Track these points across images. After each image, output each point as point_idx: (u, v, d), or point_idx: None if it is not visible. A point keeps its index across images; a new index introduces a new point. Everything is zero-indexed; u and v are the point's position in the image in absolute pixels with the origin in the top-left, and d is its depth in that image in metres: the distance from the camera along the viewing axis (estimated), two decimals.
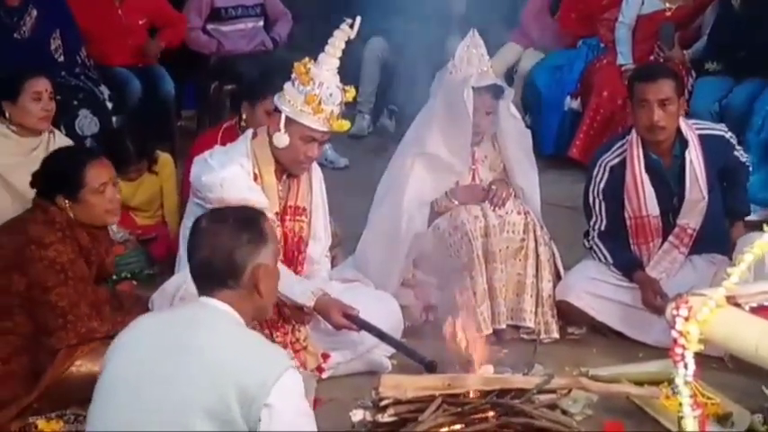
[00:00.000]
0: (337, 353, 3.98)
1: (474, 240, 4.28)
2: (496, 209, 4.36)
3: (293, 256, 3.94)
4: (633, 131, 4.32)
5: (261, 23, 6.90)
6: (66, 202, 3.72)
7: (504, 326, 4.32)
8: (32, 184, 3.84)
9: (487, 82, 4.34)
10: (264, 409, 2.34)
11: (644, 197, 4.29)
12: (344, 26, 3.70)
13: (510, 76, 6.82)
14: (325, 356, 3.95)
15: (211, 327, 2.49)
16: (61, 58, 5.67)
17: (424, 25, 6.30)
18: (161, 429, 2.35)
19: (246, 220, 2.65)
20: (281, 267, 3.74)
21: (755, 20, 5.72)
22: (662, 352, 3.66)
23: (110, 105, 5.79)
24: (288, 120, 3.71)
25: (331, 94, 3.69)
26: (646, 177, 4.27)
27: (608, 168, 4.36)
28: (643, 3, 6.30)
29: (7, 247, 3.67)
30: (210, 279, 2.56)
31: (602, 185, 4.37)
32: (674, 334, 1.89)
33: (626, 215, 4.35)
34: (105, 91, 5.81)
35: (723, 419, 3.49)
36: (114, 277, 4.52)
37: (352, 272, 4.39)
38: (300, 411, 2.46)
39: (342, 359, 3.99)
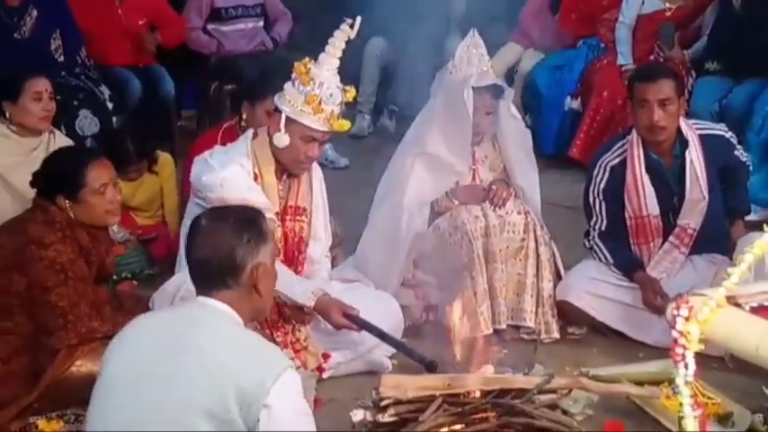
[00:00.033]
0: (338, 353, 3.98)
1: (474, 240, 4.28)
2: (497, 209, 4.36)
3: (293, 256, 3.94)
4: (633, 131, 4.32)
5: (261, 23, 6.89)
6: (67, 202, 3.72)
7: (504, 326, 4.33)
8: (33, 184, 3.84)
9: (487, 82, 4.34)
10: (263, 409, 2.34)
11: (644, 197, 4.29)
12: (345, 26, 3.70)
13: (510, 76, 6.83)
14: (326, 356, 3.95)
15: (211, 327, 2.49)
16: (61, 59, 5.67)
17: (425, 25, 6.30)
18: (161, 429, 2.35)
19: (246, 219, 2.65)
20: (282, 267, 3.76)
21: (756, 20, 5.72)
22: (662, 352, 3.66)
23: (110, 105, 5.79)
24: (288, 120, 3.71)
25: (331, 94, 3.69)
26: (646, 177, 4.27)
27: (608, 168, 4.36)
28: (643, 3, 6.31)
29: (7, 246, 3.67)
30: (210, 278, 2.56)
31: (602, 185, 4.37)
32: (675, 334, 1.89)
33: (626, 215, 4.35)
34: (105, 91, 5.81)
35: (724, 419, 3.49)
36: (115, 277, 4.52)
37: (353, 272, 4.39)
38: (299, 411, 2.46)
39: (342, 359, 3.99)
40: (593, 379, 3.54)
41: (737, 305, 1.91)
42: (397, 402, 3.13)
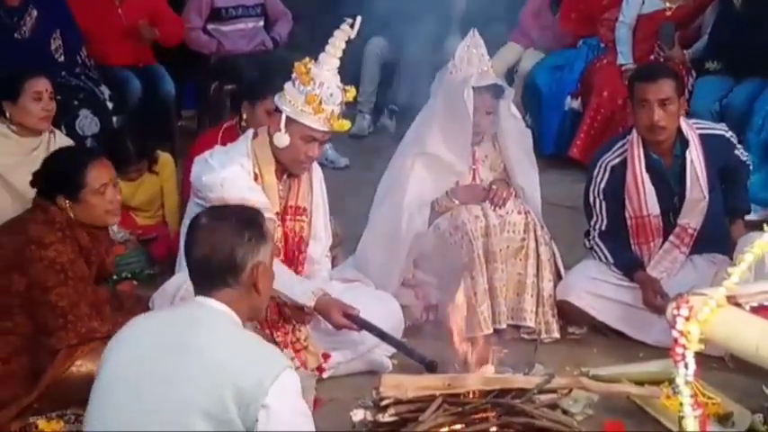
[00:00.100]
0: (338, 353, 3.98)
1: (474, 240, 4.28)
2: (497, 209, 4.36)
3: (294, 256, 3.94)
4: (634, 131, 4.32)
5: (261, 23, 6.90)
6: (67, 202, 3.72)
7: (504, 325, 4.33)
8: (33, 184, 3.84)
9: (488, 82, 4.34)
10: (262, 409, 2.34)
11: (644, 197, 4.29)
12: (345, 26, 3.70)
13: (510, 75, 6.83)
14: (326, 356, 3.95)
15: (210, 327, 2.49)
16: (61, 58, 5.67)
17: (425, 25, 6.30)
18: (161, 429, 2.35)
19: (247, 218, 2.66)
20: (282, 267, 3.77)
21: (756, 19, 5.72)
22: (662, 352, 3.66)
23: (110, 105, 5.79)
24: (288, 120, 3.71)
25: (331, 94, 3.69)
26: (646, 177, 4.27)
27: (608, 168, 4.36)
28: (643, 2, 6.31)
29: (7, 247, 3.66)
30: (209, 277, 2.56)
31: (602, 185, 4.37)
32: (675, 334, 1.89)
33: (626, 215, 4.35)
34: (106, 91, 5.82)
35: (724, 419, 3.49)
36: (115, 277, 4.52)
37: (353, 272, 4.39)
38: (298, 411, 2.46)
39: (342, 359, 3.99)
40: (593, 379, 3.54)
41: (738, 305, 1.92)
42: (398, 402, 3.13)
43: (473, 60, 4.35)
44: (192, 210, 3.76)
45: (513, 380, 3.29)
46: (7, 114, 4.61)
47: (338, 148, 6.45)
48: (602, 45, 6.59)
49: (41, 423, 3.59)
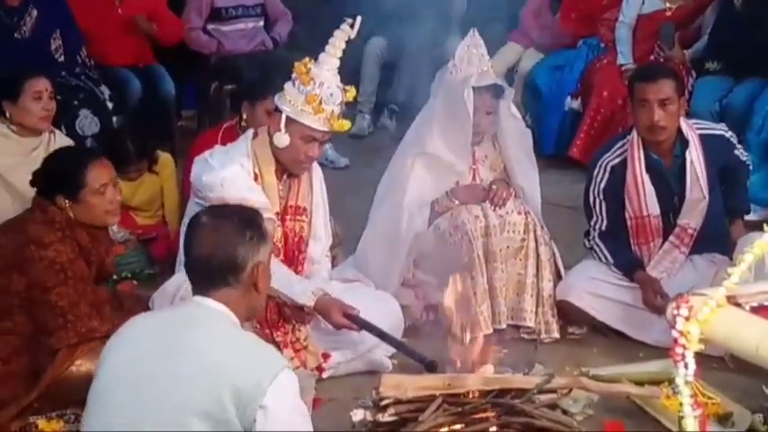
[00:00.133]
0: (338, 352, 3.98)
1: (474, 240, 4.28)
2: (497, 209, 4.36)
3: (294, 256, 3.94)
4: (634, 131, 4.32)
5: (261, 23, 6.89)
6: (67, 202, 3.71)
7: (504, 325, 4.33)
8: (33, 183, 3.84)
9: (488, 82, 4.34)
10: (260, 409, 2.35)
11: (644, 197, 4.29)
12: (345, 26, 3.70)
13: (510, 75, 6.83)
14: (326, 356, 3.95)
15: (208, 327, 2.49)
16: (61, 58, 5.67)
17: (425, 25, 6.30)
18: (159, 429, 2.35)
19: (247, 217, 2.66)
20: (282, 267, 3.77)
21: (756, 19, 5.72)
22: (662, 352, 3.66)
23: (110, 105, 5.79)
24: (288, 119, 3.71)
25: (331, 94, 3.69)
26: (646, 177, 4.27)
27: (608, 168, 4.36)
28: (643, 2, 6.31)
29: (7, 246, 3.66)
30: (209, 276, 2.55)
31: (602, 185, 4.37)
32: (675, 334, 1.89)
33: (626, 215, 4.35)
34: (106, 91, 5.81)
35: (724, 419, 3.49)
36: (115, 277, 4.52)
37: (353, 272, 4.39)
38: (296, 411, 2.46)
39: (342, 359, 3.99)
40: (593, 379, 3.54)
41: (737, 305, 1.92)
42: (397, 402, 3.13)
43: (473, 60, 4.35)
44: (191, 209, 3.76)
45: (512, 380, 3.30)
46: (7, 114, 4.61)
47: (338, 148, 6.45)
48: (603, 45, 6.59)
49: (41, 423, 3.59)
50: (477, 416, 3.11)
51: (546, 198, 4.66)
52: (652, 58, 6.29)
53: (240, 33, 6.78)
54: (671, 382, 2.79)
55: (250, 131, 3.94)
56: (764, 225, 2.01)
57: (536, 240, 4.36)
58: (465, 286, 3.69)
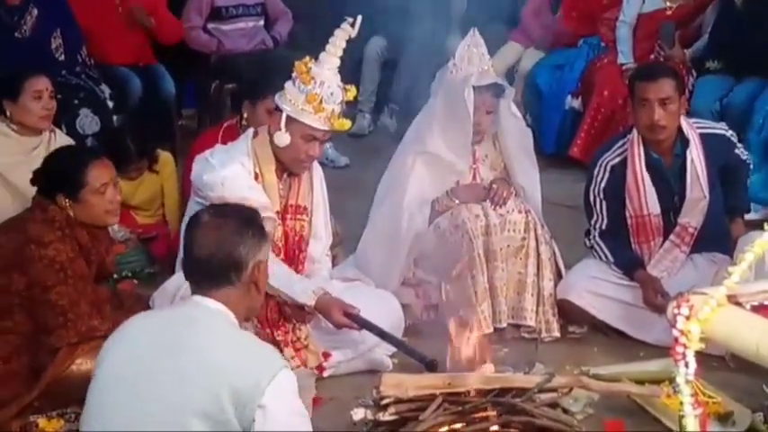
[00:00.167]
0: (338, 352, 3.98)
1: (475, 239, 4.28)
2: (497, 208, 4.36)
3: (294, 255, 3.94)
4: (634, 130, 4.32)
5: (261, 22, 6.89)
6: (67, 201, 3.71)
7: (504, 324, 4.33)
8: (33, 182, 3.84)
9: (488, 81, 4.34)
10: (258, 409, 2.34)
11: (645, 196, 4.29)
12: (345, 25, 3.70)
13: (511, 75, 6.83)
14: (326, 355, 3.95)
15: (208, 327, 2.48)
16: (62, 57, 5.67)
17: (425, 24, 6.30)
18: (159, 429, 2.35)
19: (248, 216, 2.66)
20: (282, 266, 3.77)
21: (756, 19, 5.72)
22: (663, 351, 3.66)
23: (110, 104, 5.80)
24: (289, 119, 3.71)
25: (332, 93, 3.69)
26: (647, 176, 4.27)
27: (609, 167, 4.36)
28: (644, 1, 6.31)
29: (7, 246, 3.66)
30: (211, 275, 2.55)
31: (602, 185, 4.37)
32: (675, 333, 1.89)
33: (627, 214, 4.35)
34: (106, 90, 5.82)
35: (724, 418, 3.49)
36: (115, 276, 4.52)
37: (353, 271, 4.39)
38: (295, 411, 2.45)
39: (343, 358, 3.99)
40: (593, 378, 3.54)
41: (738, 304, 1.91)
42: (398, 401, 3.13)
43: (473, 59, 4.35)
44: (192, 209, 3.76)
45: (513, 379, 3.30)
46: (8, 113, 4.61)
47: (338, 148, 6.46)
48: (603, 44, 6.59)
49: (42, 422, 3.59)
50: (477, 415, 3.11)
51: (546, 197, 4.66)
52: (652, 57, 6.29)
53: (240, 32, 6.78)
54: (671, 381, 2.79)
55: (250, 130, 3.94)
56: (765, 224, 2.01)
57: (536, 239, 4.36)
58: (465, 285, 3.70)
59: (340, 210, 4.49)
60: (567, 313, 4.37)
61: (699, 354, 1.89)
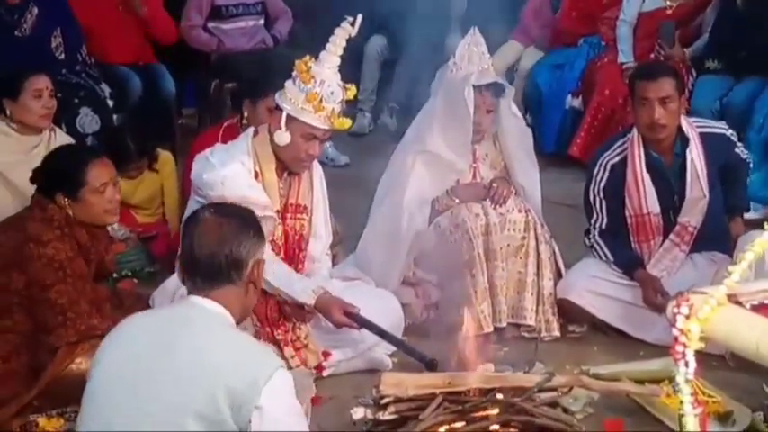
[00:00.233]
0: (338, 351, 3.98)
1: (475, 238, 4.28)
2: (497, 207, 4.36)
3: (294, 254, 3.94)
4: (634, 130, 4.32)
5: (261, 21, 6.89)
6: (66, 200, 3.71)
7: (504, 324, 4.33)
8: (33, 181, 3.84)
9: (488, 80, 4.34)
10: (255, 410, 2.33)
11: (645, 195, 4.29)
12: (345, 24, 3.70)
13: (511, 74, 6.83)
14: (326, 354, 3.95)
15: (204, 327, 2.47)
16: (62, 56, 5.67)
17: (425, 23, 6.30)
18: (157, 429, 2.34)
19: (247, 215, 2.66)
20: (282, 265, 3.77)
21: (756, 18, 5.72)
22: (663, 350, 3.66)
23: (111, 103, 5.80)
24: (289, 118, 3.71)
25: (332, 92, 3.69)
26: (646, 176, 4.27)
27: (609, 167, 4.36)
28: (644, 0, 6.31)
29: (6, 245, 3.66)
30: (213, 273, 2.53)
31: (602, 184, 4.37)
32: (675, 332, 1.88)
33: (627, 213, 4.35)
34: (106, 89, 5.82)
35: (724, 418, 3.49)
36: (115, 275, 4.53)
37: (353, 270, 4.39)
38: (291, 411, 2.45)
39: (342, 357, 3.99)
40: (593, 377, 3.53)
41: (738, 303, 1.91)
42: (398, 400, 3.13)
43: (473, 59, 4.35)
44: (192, 208, 3.74)
45: (513, 378, 3.30)
46: (8, 112, 4.61)
47: (338, 147, 6.45)
48: (603, 43, 6.59)
49: (42, 421, 3.59)
50: (477, 414, 3.11)
51: (546, 196, 4.66)
52: (652, 56, 6.29)
53: (241, 31, 6.78)
54: (671, 380, 2.79)
55: (251, 129, 3.94)
56: (765, 223, 2.01)
57: (536, 239, 4.36)
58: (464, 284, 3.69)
59: (340, 209, 4.49)
60: (567, 312, 4.37)
61: (698, 353, 1.89)
